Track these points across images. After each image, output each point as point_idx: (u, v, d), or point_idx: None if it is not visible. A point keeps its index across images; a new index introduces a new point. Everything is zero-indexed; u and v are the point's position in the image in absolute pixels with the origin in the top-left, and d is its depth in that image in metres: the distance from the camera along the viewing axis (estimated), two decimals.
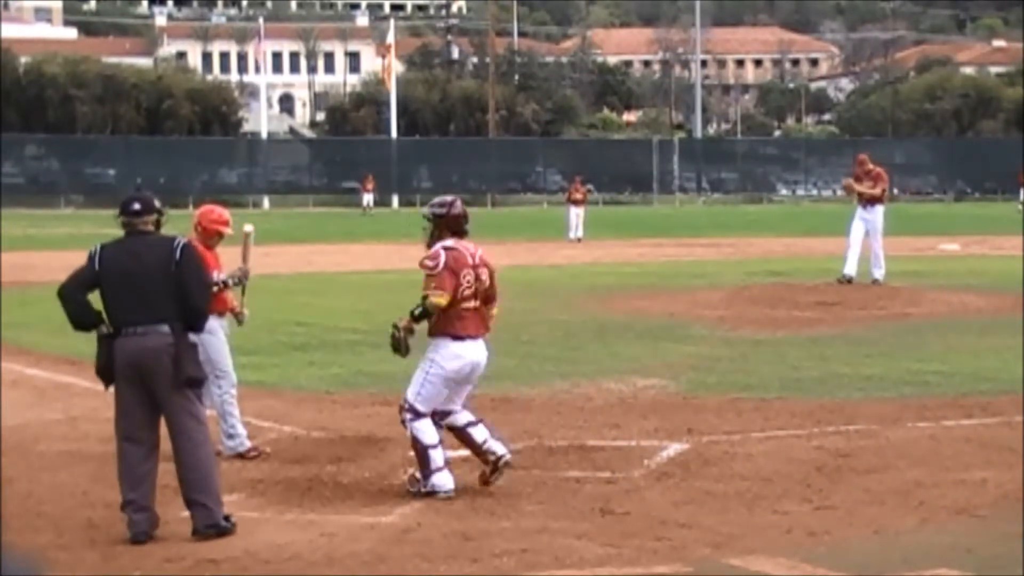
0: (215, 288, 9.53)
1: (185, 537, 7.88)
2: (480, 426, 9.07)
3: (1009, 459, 9.69)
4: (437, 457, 8.81)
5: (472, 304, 8.80)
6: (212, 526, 7.86)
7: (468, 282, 8.76)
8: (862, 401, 12.29)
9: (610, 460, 9.77)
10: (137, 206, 8.12)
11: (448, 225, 8.94)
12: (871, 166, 22.98)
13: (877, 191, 22.67)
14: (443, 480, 8.80)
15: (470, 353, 8.82)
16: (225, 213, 10.29)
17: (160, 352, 7.89)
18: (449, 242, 8.87)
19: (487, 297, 8.94)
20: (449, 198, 9.02)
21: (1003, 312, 19.29)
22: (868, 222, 22.44)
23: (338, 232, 44.93)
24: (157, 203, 8.21)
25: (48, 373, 14.42)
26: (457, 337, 8.79)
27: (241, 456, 10.03)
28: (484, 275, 8.87)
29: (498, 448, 8.99)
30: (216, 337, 9.99)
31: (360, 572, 7.26)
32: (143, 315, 7.92)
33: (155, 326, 7.89)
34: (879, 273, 22.47)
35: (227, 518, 7.96)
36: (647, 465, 9.67)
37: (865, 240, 22.47)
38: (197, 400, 8.18)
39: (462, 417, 9.06)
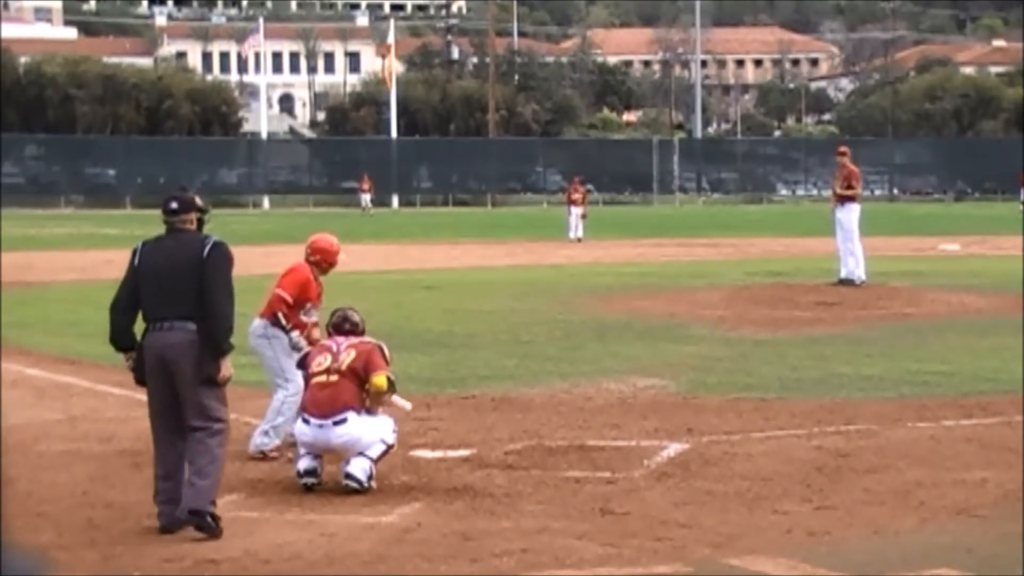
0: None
1: (185, 537, 7.87)
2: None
3: (1009, 459, 9.69)
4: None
5: (323, 379, 9.10)
6: (199, 522, 7.83)
7: (319, 363, 9.18)
8: (862, 401, 12.28)
9: (610, 460, 9.77)
10: (175, 205, 8.22)
11: (335, 326, 9.57)
12: (846, 162, 23.07)
13: (857, 189, 22.84)
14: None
15: (306, 436, 9.03)
16: (336, 242, 10.85)
17: (183, 348, 7.93)
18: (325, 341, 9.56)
19: (353, 370, 9.05)
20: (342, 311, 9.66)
21: (1003, 312, 19.28)
22: (841, 221, 22.51)
23: (338, 232, 44.06)
24: (199, 202, 8.28)
25: (48, 373, 14.42)
26: (302, 413, 9.17)
27: (263, 454, 9.99)
28: (345, 355, 9.15)
29: (356, 474, 8.96)
30: (282, 341, 10.16)
31: (360, 572, 7.26)
32: (170, 311, 7.99)
33: (181, 322, 7.96)
34: (845, 272, 22.43)
35: (215, 519, 7.91)
36: (647, 465, 9.66)
37: (840, 238, 22.56)
38: (219, 400, 8.11)
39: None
